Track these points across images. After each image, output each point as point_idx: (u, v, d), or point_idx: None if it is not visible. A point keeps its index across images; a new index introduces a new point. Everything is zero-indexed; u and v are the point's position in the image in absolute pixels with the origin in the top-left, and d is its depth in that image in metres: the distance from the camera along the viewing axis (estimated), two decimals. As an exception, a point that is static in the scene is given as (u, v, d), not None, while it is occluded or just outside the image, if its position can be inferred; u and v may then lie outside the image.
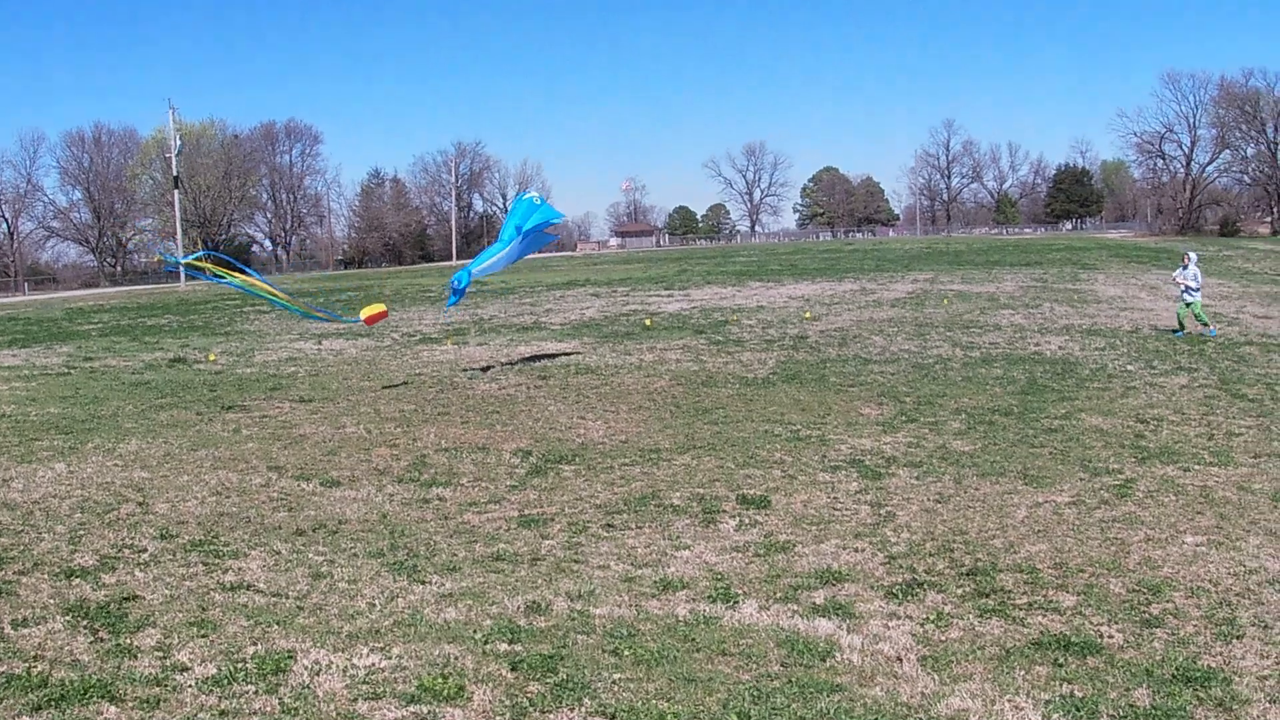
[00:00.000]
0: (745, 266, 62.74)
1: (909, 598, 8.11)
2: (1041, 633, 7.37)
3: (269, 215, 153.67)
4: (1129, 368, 19.96)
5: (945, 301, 33.79)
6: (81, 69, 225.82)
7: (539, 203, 22.27)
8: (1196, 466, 12.27)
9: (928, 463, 12.56)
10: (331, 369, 23.00)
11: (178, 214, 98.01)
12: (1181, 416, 15.29)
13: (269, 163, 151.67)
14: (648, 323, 29.97)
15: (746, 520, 10.33)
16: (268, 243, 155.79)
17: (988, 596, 8.11)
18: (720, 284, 47.88)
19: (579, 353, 24.06)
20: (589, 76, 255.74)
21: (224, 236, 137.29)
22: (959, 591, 8.23)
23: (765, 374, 20.09)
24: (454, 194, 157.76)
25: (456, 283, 21.51)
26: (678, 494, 11.39)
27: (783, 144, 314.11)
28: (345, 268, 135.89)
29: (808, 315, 30.85)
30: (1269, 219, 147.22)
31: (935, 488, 11.39)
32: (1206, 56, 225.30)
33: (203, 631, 7.61)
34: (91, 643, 7.43)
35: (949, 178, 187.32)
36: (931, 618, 7.68)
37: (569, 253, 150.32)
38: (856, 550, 9.31)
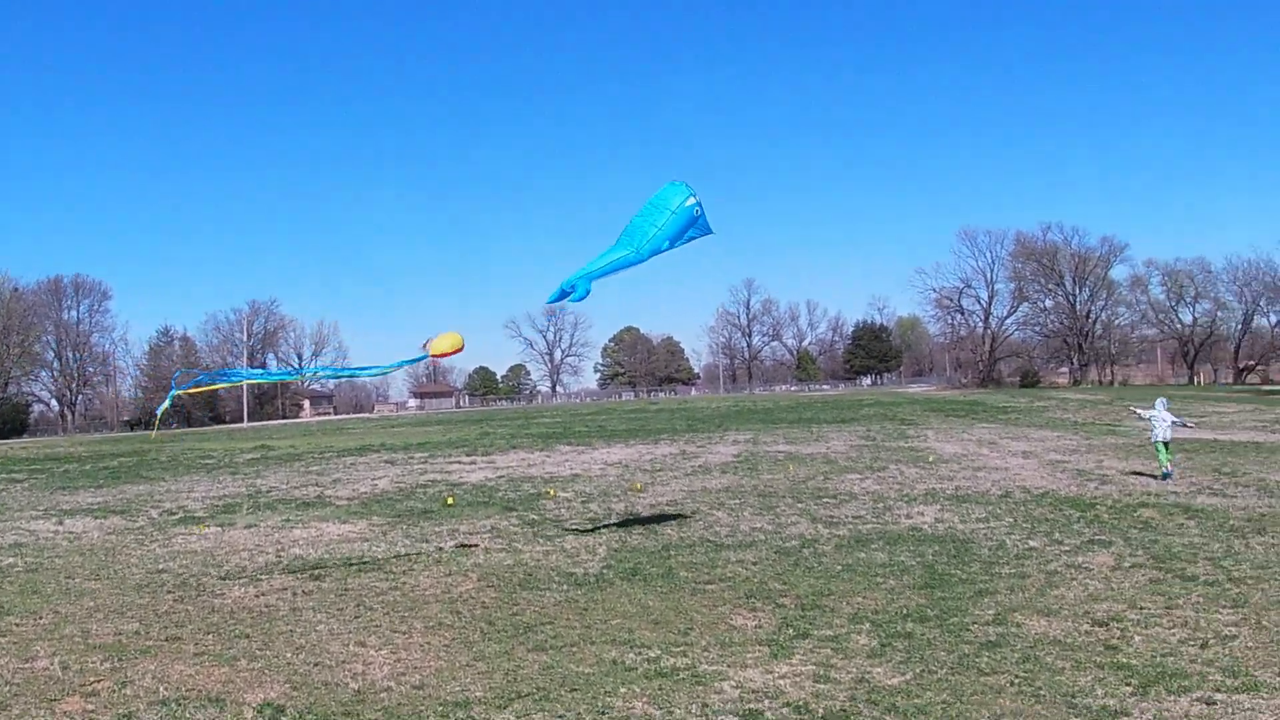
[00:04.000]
0: (550, 428, 59.13)
1: None
2: None
3: (54, 374, 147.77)
4: (1031, 544, 16.83)
5: (789, 467, 30.48)
6: None
7: (699, 214, 16.98)
8: (1219, 695, 9.14)
9: (855, 712, 8.91)
10: (57, 562, 18.40)
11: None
12: (1142, 613, 12.07)
13: (54, 319, 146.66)
14: (449, 500, 25.73)
15: None
16: (54, 402, 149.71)
17: None
18: (527, 448, 43.94)
19: (367, 539, 19.78)
20: (384, 235, 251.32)
21: (1, 395, 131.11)
22: None
23: (598, 568, 16.22)
24: (246, 353, 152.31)
25: (569, 287, 16.55)
26: (498, 796, 7.46)
27: (584, 305, 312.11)
28: (132, 429, 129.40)
29: (637, 487, 27.06)
30: (1066, 369, 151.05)
31: (886, 763, 7.74)
32: (1002, 213, 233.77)
33: None
34: None
35: (749, 336, 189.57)
36: None
37: (365, 415, 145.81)
38: None
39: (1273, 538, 16.78)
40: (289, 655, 11.64)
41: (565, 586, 14.93)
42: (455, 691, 10.11)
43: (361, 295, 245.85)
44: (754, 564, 16.04)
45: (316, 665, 11.21)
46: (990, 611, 12.40)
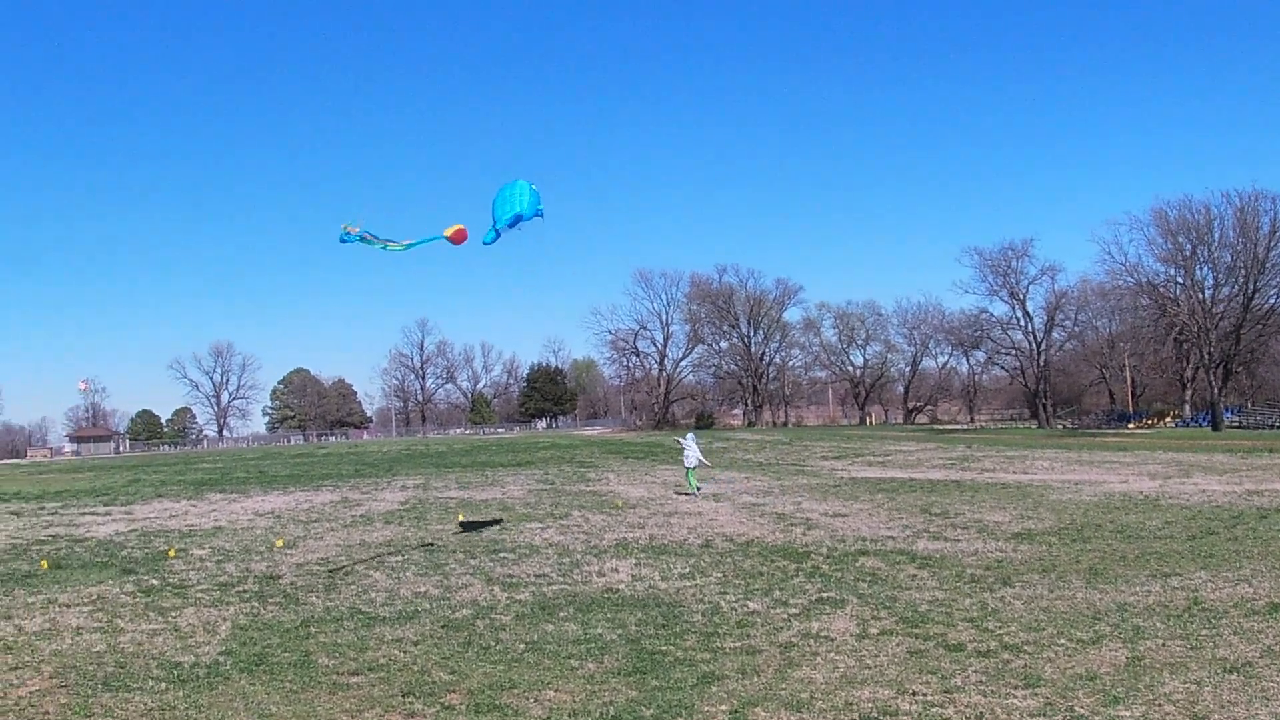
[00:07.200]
0: (207, 475, 53.96)
1: None
2: None
3: None
4: (752, 606, 14.18)
5: (460, 515, 27.10)
6: None
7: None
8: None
9: None
10: None
11: None
12: (918, 701, 9.49)
13: None
14: (43, 565, 21.20)
15: None
16: None
17: None
18: (173, 497, 38.86)
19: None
20: (39, 270, 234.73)
21: None
22: None
23: (213, 654, 12.52)
24: None
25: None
26: None
27: (252, 345, 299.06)
28: None
29: (279, 542, 23.06)
30: (739, 410, 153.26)
31: None
32: (679, 255, 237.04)
33: None
34: None
35: (423, 378, 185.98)
36: None
37: (17, 460, 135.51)
38: None
39: (1024, 588, 14.66)
40: None
41: (164, 684, 11.23)
42: None
43: (13, 330, 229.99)
44: (415, 644, 12.74)
45: None
46: (724, 707, 9.54)
